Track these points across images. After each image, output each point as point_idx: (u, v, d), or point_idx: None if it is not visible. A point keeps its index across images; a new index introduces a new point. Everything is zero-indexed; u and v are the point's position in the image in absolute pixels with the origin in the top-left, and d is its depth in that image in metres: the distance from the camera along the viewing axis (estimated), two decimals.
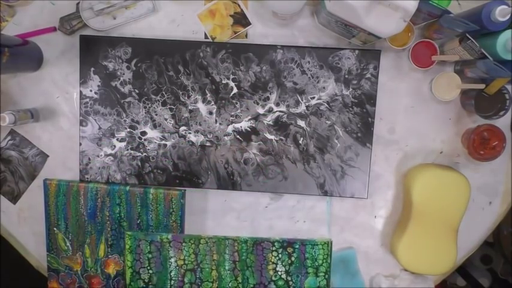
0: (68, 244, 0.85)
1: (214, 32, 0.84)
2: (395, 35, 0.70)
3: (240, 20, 0.83)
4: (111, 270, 0.87)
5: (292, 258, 0.80)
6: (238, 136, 0.83)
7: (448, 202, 0.79)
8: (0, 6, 0.83)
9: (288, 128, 0.83)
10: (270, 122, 0.83)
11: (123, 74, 0.83)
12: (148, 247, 0.79)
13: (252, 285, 0.80)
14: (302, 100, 0.83)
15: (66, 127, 0.86)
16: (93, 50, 0.83)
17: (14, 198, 0.88)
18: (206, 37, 0.84)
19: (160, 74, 0.83)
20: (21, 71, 0.85)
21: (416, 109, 0.85)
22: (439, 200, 0.79)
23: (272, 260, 0.80)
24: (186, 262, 0.80)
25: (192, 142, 0.83)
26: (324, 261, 0.80)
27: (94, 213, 0.84)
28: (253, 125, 0.83)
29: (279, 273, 0.80)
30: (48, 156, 0.87)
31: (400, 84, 0.85)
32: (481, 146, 0.78)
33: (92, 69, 0.83)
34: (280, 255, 0.80)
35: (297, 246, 0.79)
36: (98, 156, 0.84)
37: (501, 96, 0.78)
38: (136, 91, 0.83)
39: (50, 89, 0.86)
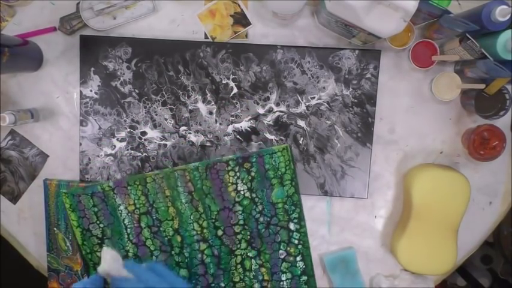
0: (68, 244, 0.85)
1: (215, 32, 0.84)
2: (396, 35, 0.70)
3: (240, 20, 0.83)
4: None
5: (252, 174, 0.75)
6: (238, 136, 0.83)
7: (448, 202, 0.79)
8: (0, 6, 0.83)
9: (288, 128, 0.83)
10: (270, 122, 0.83)
11: (123, 74, 0.83)
12: (91, 200, 0.73)
13: (215, 212, 0.74)
14: (302, 100, 0.83)
15: (66, 127, 0.86)
16: (93, 50, 0.83)
17: (14, 198, 0.88)
18: (206, 37, 0.84)
19: (161, 74, 0.83)
20: (21, 71, 0.85)
21: (416, 109, 0.85)
22: (439, 200, 0.79)
23: (230, 181, 0.74)
24: (138, 206, 0.73)
25: (192, 142, 0.83)
26: (287, 168, 0.74)
27: None
28: (254, 125, 0.83)
29: (242, 192, 0.74)
30: (48, 156, 0.87)
31: (400, 84, 0.85)
32: (481, 146, 0.78)
33: (92, 69, 0.83)
34: (238, 174, 0.74)
35: (254, 160, 0.74)
36: (98, 156, 0.84)
37: (501, 96, 0.78)
38: (137, 91, 0.83)
39: (50, 89, 0.86)
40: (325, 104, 0.83)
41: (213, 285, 0.74)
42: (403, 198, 0.86)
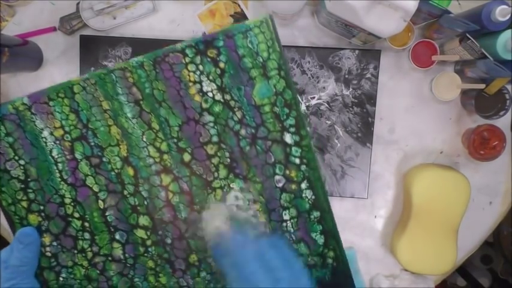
0: None
1: None
2: (396, 35, 0.70)
3: (240, 20, 0.83)
4: None
5: (221, 65, 0.50)
6: None
7: (448, 202, 0.79)
8: (0, 6, 0.83)
9: None
10: None
11: None
12: (2, 127, 0.50)
13: (176, 128, 0.51)
14: (302, 100, 0.83)
15: None
16: (93, 49, 0.83)
17: None
18: None
19: None
20: (21, 70, 0.85)
21: (416, 109, 0.85)
22: (439, 200, 0.79)
23: (191, 79, 0.50)
24: (67, 129, 0.51)
25: None
26: (271, 51, 0.50)
27: None
28: None
29: (210, 94, 0.50)
30: None
31: (400, 84, 0.85)
32: (481, 146, 0.78)
33: (92, 69, 0.83)
34: (200, 67, 0.50)
35: (221, 44, 0.50)
36: None
37: (501, 96, 0.78)
38: None
39: None
40: (325, 104, 0.83)
41: (187, 235, 0.51)
42: (403, 198, 0.86)
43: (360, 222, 0.87)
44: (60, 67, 0.85)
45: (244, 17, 0.83)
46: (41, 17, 0.85)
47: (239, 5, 0.83)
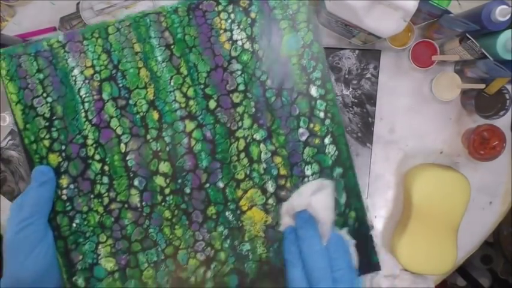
0: None
1: None
2: (396, 35, 0.70)
3: None
4: None
5: (252, 15, 0.51)
6: None
7: (448, 202, 0.79)
8: (0, 6, 0.83)
9: None
10: None
11: None
12: (35, 63, 0.51)
13: (205, 74, 0.51)
14: None
15: None
16: None
17: (14, 198, 0.88)
18: None
19: None
20: None
21: (416, 109, 0.85)
22: (439, 200, 0.79)
23: (223, 27, 0.51)
24: (98, 69, 0.51)
25: None
26: (301, 4, 0.51)
27: None
28: None
29: (239, 43, 0.51)
30: None
31: (400, 84, 0.85)
32: (481, 146, 0.78)
33: None
34: (232, 16, 0.51)
35: None
36: None
37: (501, 96, 0.78)
38: None
39: None
40: None
41: (207, 185, 0.50)
42: (403, 198, 0.86)
43: None
44: None
45: None
46: (41, 17, 0.85)
47: None
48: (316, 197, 0.43)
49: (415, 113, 0.85)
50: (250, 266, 0.50)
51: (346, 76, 0.82)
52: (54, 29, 0.84)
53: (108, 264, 0.49)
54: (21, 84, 0.51)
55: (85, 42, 0.51)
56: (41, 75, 0.51)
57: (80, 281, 0.49)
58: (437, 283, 0.88)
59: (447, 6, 0.71)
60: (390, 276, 0.87)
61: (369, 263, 0.51)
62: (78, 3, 0.82)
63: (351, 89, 0.82)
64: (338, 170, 0.51)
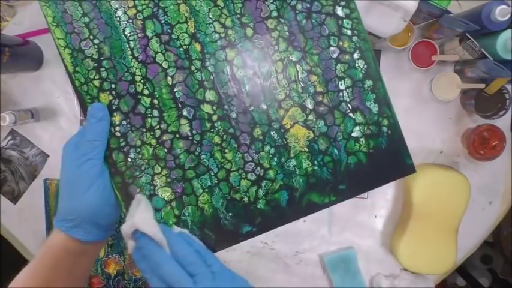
0: None
1: None
2: (396, 35, 0.70)
3: None
4: (111, 270, 0.87)
5: None
6: None
7: (448, 202, 0.79)
8: (1, 6, 0.83)
9: None
10: None
11: None
12: (79, 8, 0.53)
13: (240, 4, 0.54)
14: None
15: (67, 127, 0.86)
16: None
17: (15, 198, 0.88)
18: None
19: None
20: (21, 70, 0.85)
21: (416, 109, 0.85)
22: (439, 200, 0.79)
23: None
24: (140, 8, 0.54)
25: None
26: None
27: None
28: None
29: None
30: (48, 156, 0.87)
31: (400, 84, 0.85)
32: (481, 146, 0.78)
33: None
34: None
35: None
36: None
37: (501, 96, 0.78)
38: None
39: (50, 88, 0.86)
40: None
41: (251, 108, 0.53)
42: (403, 198, 0.86)
43: (360, 222, 0.87)
44: (60, 67, 0.85)
45: None
46: (41, 17, 0.84)
47: None
48: (136, 217, 0.46)
49: (415, 113, 0.85)
50: (298, 180, 0.53)
51: None
52: None
53: (165, 193, 0.51)
54: (68, 29, 0.53)
55: None
56: (86, 19, 0.53)
57: None
58: (437, 283, 0.89)
59: (447, 6, 0.71)
60: (390, 276, 0.87)
61: (404, 165, 0.54)
62: None
63: None
64: (368, 83, 0.54)
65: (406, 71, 0.84)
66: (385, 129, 0.54)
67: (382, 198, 0.87)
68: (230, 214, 0.51)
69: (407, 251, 0.81)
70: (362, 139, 0.53)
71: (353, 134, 0.54)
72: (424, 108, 0.85)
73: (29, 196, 0.88)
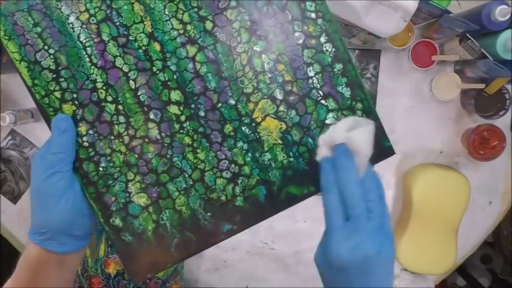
0: None
1: None
2: (395, 35, 0.70)
3: None
4: (111, 270, 0.87)
5: None
6: None
7: (448, 202, 0.79)
8: (1, 6, 0.83)
9: None
10: None
11: None
12: (30, 18, 0.51)
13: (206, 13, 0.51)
14: None
15: None
16: None
17: (15, 198, 0.88)
18: None
19: None
20: None
21: (416, 109, 0.85)
22: (439, 200, 0.79)
23: None
24: (92, 12, 0.51)
25: None
26: None
27: None
28: None
29: None
30: None
31: (400, 84, 0.85)
32: (481, 146, 0.78)
33: None
34: None
35: None
36: None
37: (501, 96, 0.78)
38: None
39: None
40: None
41: (219, 105, 0.51)
42: (403, 198, 0.86)
43: None
44: None
45: None
46: None
47: None
48: (354, 132, 0.44)
49: (415, 113, 0.85)
50: (275, 174, 0.52)
51: None
52: None
53: (141, 199, 0.51)
54: (21, 41, 0.51)
55: None
56: (39, 29, 0.51)
57: (118, 221, 0.50)
58: (437, 283, 0.89)
59: (447, 6, 0.71)
60: None
61: (382, 149, 0.52)
62: None
63: None
64: (338, 66, 0.52)
65: (406, 71, 0.84)
66: (359, 113, 0.52)
67: None
68: (209, 214, 0.51)
69: (407, 251, 0.81)
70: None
71: (327, 121, 0.51)
72: (424, 108, 0.85)
73: (29, 196, 0.88)
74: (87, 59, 0.51)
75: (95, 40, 0.51)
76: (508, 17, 0.66)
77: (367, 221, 0.40)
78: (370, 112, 0.51)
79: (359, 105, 0.52)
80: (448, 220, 0.80)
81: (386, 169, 0.86)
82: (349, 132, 0.44)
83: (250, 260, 0.88)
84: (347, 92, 0.51)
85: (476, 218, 0.86)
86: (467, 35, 0.73)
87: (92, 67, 0.51)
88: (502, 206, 0.87)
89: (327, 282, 0.42)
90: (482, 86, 0.76)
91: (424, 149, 0.86)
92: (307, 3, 0.51)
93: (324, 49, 0.52)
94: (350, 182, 0.42)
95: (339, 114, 0.51)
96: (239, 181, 0.51)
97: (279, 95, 0.51)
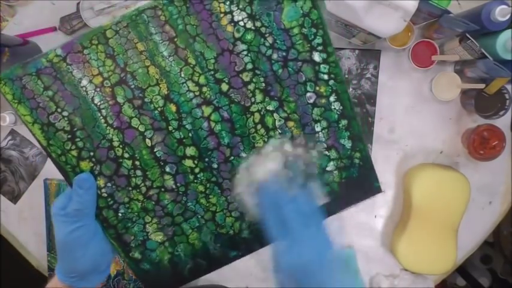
0: None
1: None
2: (395, 35, 0.70)
3: None
4: (111, 270, 0.87)
5: None
6: None
7: (448, 202, 0.79)
8: (1, 6, 0.83)
9: None
10: None
11: None
12: (39, 81, 0.50)
13: (212, 60, 0.52)
14: None
15: None
16: None
17: (15, 198, 0.88)
18: None
19: None
20: None
21: (416, 109, 0.85)
22: (439, 200, 0.79)
23: (222, 10, 0.51)
24: (106, 75, 0.51)
25: None
26: None
27: None
28: None
29: (241, 23, 0.52)
30: None
31: (400, 84, 0.85)
32: (481, 146, 0.78)
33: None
34: None
35: None
36: None
37: (501, 96, 0.78)
38: None
39: None
40: None
41: (231, 158, 0.54)
42: (403, 198, 0.86)
43: (359, 222, 0.87)
44: None
45: None
46: (41, 17, 0.85)
47: None
48: (267, 166, 0.49)
49: (415, 113, 0.85)
50: None
51: (346, 76, 0.82)
52: (54, 28, 0.84)
53: (158, 237, 0.54)
54: (31, 104, 0.51)
55: (86, 51, 0.51)
56: (50, 92, 0.51)
57: (137, 255, 0.54)
58: (437, 283, 0.89)
59: (447, 6, 0.71)
60: (390, 276, 0.87)
61: (371, 188, 0.56)
62: (78, 3, 0.82)
63: (350, 89, 0.83)
64: (343, 122, 0.55)
65: (406, 71, 0.84)
66: (357, 161, 0.55)
67: (382, 198, 0.87)
68: (218, 245, 0.55)
69: (407, 250, 0.81)
70: (335, 172, 0.55)
71: (327, 169, 0.55)
72: (424, 108, 0.85)
73: (29, 196, 0.88)
74: (103, 120, 0.52)
75: (110, 102, 0.51)
76: (508, 17, 0.66)
77: (303, 232, 0.46)
78: (366, 160, 0.55)
79: (357, 155, 0.55)
80: (448, 220, 0.80)
81: (386, 169, 0.86)
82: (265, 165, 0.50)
83: (250, 260, 0.88)
84: (348, 144, 0.55)
85: (476, 218, 0.86)
86: (467, 35, 0.73)
87: (108, 127, 0.52)
88: (502, 206, 0.87)
89: (280, 284, 0.47)
90: (482, 86, 0.76)
91: (424, 149, 0.86)
92: (321, 65, 0.53)
93: (332, 107, 0.55)
94: (284, 201, 0.47)
95: (339, 163, 0.55)
96: (246, 218, 0.55)
97: (287, 148, 0.55)
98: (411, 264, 0.82)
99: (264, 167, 0.51)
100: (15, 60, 0.77)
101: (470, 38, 0.72)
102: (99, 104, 0.51)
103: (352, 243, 0.87)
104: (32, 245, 0.90)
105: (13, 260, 0.91)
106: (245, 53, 0.53)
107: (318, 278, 0.44)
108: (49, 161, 0.87)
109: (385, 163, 0.86)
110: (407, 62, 0.83)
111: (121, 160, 0.52)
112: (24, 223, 0.89)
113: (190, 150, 0.53)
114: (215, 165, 0.54)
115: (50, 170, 0.87)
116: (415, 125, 0.85)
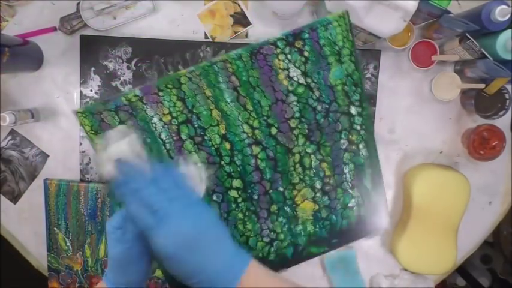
0: (68, 244, 0.85)
1: (215, 32, 0.84)
2: (395, 35, 0.70)
3: (240, 20, 0.83)
4: None
5: (305, 54, 0.61)
6: None
7: (448, 202, 0.79)
8: (0, 6, 0.83)
9: None
10: None
11: (124, 73, 0.83)
12: (116, 117, 0.59)
13: (267, 108, 0.62)
14: None
15: (67, 127, 0.86)
16: (93, 49, 0.83)
17: (15, 198, 0.88)
18: (206, 37, 0.84)
19: (161, 74, 0.83)
20: (21, 70, 0.85)
21: (416, 109, 0.85)
22: (439, 200, 0.79)
23: (281, 66, 0.61)
24: (175, 115, 0.60)
25: None
26: (345, 40, 0.61)
27: (94, 213, 0.84)
28: None
29: (295, 79, 0.62)
30: (48, 156, 0.87)
31: (400, 84, 0.85)
32: (481, 146, 0.78)
33: (92, 69, 0.83)
34: (289, 56, 0.61)
35: (307, 36, 0.61)
36: None
37: (501, 96, 0.78)
38: None
39: (50, 88, 0.86)
40: None
41: (270, 191, 0.63)
42: (403, 198, 0.86)
43: None
44: (60, 67, 0.85)
45: (244, 17, 0.83)
46: (41, 17, 0.85)
47: (239, 5, 0.83)
48: (120, 146, 0.48)
49: (415, 113, 0.85)
50: (302, 239, 0.65)
51: None
52: (54, 29, 0.84)
53: None
54: None
55: (161, 93, 0.60)
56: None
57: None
58: (437, 283, 0.89)
59: (447, 6, 0.71)
60: (390, 276, 0.87)
61: (380, 222, 0.66)
62: (78, 3, 0.82)
63: None
64: (368, 168, 0.65)
65: (406, 71, 0.84)
66: (374, 199, 0.66)
67: None
68: None
69: (407, 251, 0.81)
70: (355, 207, 0.65)
71: (349, 205, 0.65)
72: (424, 108, 0.85)
73: (29, 196, 0.88)
74: (165, 153, 0.61)
75: (174, 138, 0.61)
76: (508, 17, 0.66)
77: (170, 208, 0.44)
78: (381, 199, 0.66)
79: (374, 195, 0.66)
80: (448, 220, 0.80)
81: (386, 169, 0.86)
82: (118, 147, 0.48)
83: None
84: (369, 185, 0.65)
85: (476, 218, 0.86)
86: (467, 35, 0.73)
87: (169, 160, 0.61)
88: (502, 206, 0.87)
89: (170, 270, 0.45)
90: (482, 86, 0.76)
91: (424, 149, 0.86)
92: (356, 117, 0.63)
93: (360, 153, 0.65)
94: (140, 187, 0.45)
95: (359, 200, 0.65)
96: (274, 244, 0.64)
97: (318, 185, 0.64)
98: (411, 264, 0.82)
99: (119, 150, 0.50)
100: (15, 60, 0.77)
101: (470, 38, 0.72)
102: (165, 139, 0.60)
103: (352, 243, 0.87)
104: (32, 245, 0.89)
105: (13, 260, 0.91)
106: (295, 103, 0.62)
107: (210, 247, 0.43)
108: (49, 161, 0.87)
109: (385, 163, 0.86)
110: (407, 62, 0.83)
111: None
112: (24, 223, 0.89)
113: (236, 183, 0.62)
114: (255, 197, 0.63)
115: (50, 170, 0.87)
116: (415, 125, 0.85)
